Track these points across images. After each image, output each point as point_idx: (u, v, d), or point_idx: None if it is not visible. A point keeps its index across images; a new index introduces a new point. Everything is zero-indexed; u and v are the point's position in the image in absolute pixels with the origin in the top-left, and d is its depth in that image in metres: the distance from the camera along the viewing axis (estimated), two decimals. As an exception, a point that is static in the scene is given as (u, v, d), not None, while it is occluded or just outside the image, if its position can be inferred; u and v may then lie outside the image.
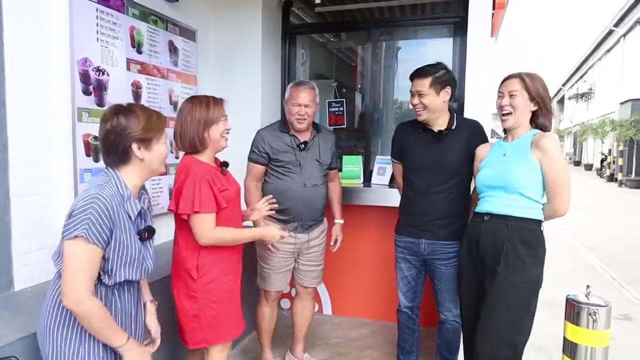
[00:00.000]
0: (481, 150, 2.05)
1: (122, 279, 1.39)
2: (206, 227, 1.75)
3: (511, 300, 1.79)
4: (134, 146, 1.38)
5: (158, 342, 1.65)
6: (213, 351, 1.89)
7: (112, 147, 1.38)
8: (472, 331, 1.96)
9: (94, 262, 1.30)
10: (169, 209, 1.84)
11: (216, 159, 1.97)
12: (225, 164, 1.96)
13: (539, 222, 1.85)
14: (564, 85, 35.94)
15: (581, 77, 29.70)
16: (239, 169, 2.41)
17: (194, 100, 1.86)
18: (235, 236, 1.87)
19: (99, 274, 1.35)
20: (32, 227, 1.98)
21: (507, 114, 1.85)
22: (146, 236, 1.47)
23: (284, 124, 2.47)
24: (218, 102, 1.86)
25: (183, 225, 1.82)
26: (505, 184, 1.84)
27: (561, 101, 38.91)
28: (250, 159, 2.45)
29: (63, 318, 1.34)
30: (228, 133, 1.89)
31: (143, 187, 1.55)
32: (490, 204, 1.89)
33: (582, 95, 28.22)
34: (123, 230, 1.36)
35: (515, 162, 1.83)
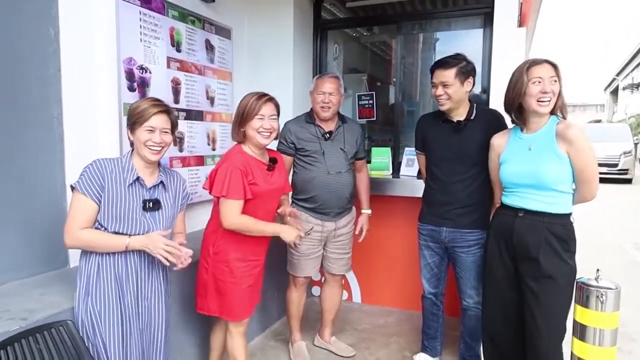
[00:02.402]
0: (498, 141, 2.04)
1: (114, 232, 1.63)
2: (231, 212, 1.90)
3: (564, 293, 1.82)
4: (128, 130, 1.69)
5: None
6: (230, 325, 2.09)
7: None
8: (496, 321, 2.02)
9: (85, 209, 1.59)
10: (203, 187, 2.02)
11: (270, 152, 2.11)
12: (273, 161, 2.08)
13: (570, 214, 1.87)
14: (617, 75, 33.85)
15: (637, 65, 27.87)
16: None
17: (245, 96, 2.01)
18: (257, 227, 1.98)
19: (99, 227, 1.62)
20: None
21: (549, 100, 1.80)
22: (150, 206, 1.69)
23: (310, 115, 2.58)
24: (259, 99, 1.95)
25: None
26: (536, 181, 1.83)
27: (615, 92, 36.68)
28: (277, 150, 2.53)
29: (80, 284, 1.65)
30: (267, 131, 1.96)
31: (162, 170, 1.78)
32: (523, 200, 1.88)
33: (638, 86, 26.48)
34: (114, 190, 1.61)
35: (545, 158, 1.82)
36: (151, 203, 1.69)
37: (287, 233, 2.05)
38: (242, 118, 1.95)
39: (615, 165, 13.32)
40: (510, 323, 1.98)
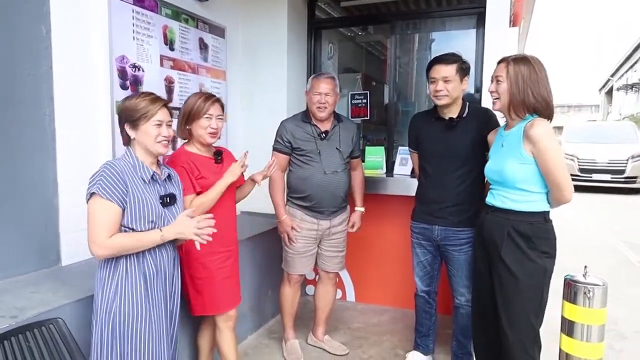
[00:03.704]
0: (490, 137, 2.08)
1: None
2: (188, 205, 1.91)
3: (530, 293, 1.79)
4: (126, 126, 1.63)
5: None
6: (218, 320, 2.10)
7: (121, 129, 1.66)
8: (481, 314, 2.02)
9: (110, 215, 1.50)
10: None
11: (216, 148, 2.11)
12: (217, 154, 2.09)
13: (543, 213, 1.80)
14: (612, 75, 34.07)
15: (631, 66, 28.06)
16: (267, 158, 2.56)
17: (190, 96, 2.03)
18: (211, 194, 1.96)
19: (124, 230, 1.55)
20: (77, 209, 2.19)
21: (496, 99, 1.85)
22: (168, 201, 1.67)
23: (306, 115, 2.58)
24: (207, 99, 1.97)
25: None
26: (501, 179, 1.84)
27: (609, 92, 36.93)
28: (274, 149, 2.57)
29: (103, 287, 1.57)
30: (215, 130, 1.98)
31: (161, 164, 1.76)
32: (493, 197, 1.90)
33: (632, 86, 26.64)
34: (137, 190, 1.57)
35: (508, 157, 1.80)
36: (168, 198, 1.68)
37: (231, 171, 2.02)
38: (189, 116, 1.97)
39: (622, 171, 10.64)
40: (487, 314, 1.98)
